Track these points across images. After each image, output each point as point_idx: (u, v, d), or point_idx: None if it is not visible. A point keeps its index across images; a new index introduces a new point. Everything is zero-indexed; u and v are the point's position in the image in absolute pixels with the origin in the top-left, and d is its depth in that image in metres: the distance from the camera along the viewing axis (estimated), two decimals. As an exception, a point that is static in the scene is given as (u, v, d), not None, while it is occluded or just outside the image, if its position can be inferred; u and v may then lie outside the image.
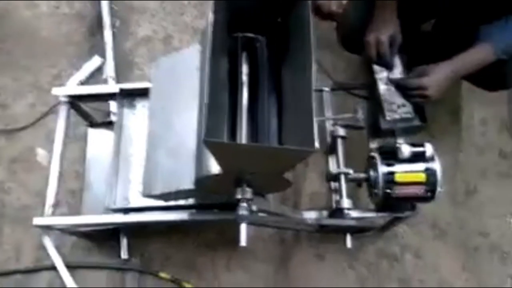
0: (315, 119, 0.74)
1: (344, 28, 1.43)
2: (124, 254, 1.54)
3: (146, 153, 1.12)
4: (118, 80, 1.82)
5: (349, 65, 1.77)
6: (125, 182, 1.29)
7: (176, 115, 1.12)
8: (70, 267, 1.50)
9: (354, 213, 1.20)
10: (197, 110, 1.07)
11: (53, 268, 1.50)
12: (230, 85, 1.05)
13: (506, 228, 1.53)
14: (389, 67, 1.23)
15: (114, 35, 1.90)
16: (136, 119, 1.39)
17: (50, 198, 1.31)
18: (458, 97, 1.67)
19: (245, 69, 1.05)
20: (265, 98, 1.01)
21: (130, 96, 1.40)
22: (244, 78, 1.04)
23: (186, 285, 1.48)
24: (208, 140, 0.74)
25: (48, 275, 1.55)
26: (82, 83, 1.82)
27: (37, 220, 1.26)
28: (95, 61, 1.86)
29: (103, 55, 1.86)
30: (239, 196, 0.94)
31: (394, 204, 1.19)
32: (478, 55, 1.17)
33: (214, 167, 0.90)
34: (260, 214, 1.02)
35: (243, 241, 0.92)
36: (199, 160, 0.99)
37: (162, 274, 1.50)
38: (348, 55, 1.77)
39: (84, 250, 1.58)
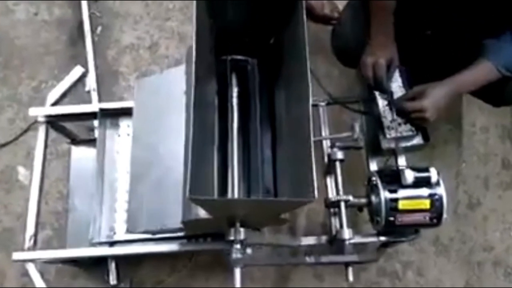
0: (314, 165, 0.66)
1: (339, 41, 1.35)
2: (113, 280, 1.46)
3: (130, 184, 1.04)
4: (101, 92, 1.72)
5: (344, 72, 1.68)
6: (110, 211, 1.21)
7: (161, 142, 1.04)
8: (56, 294, 1.43)
9: (355, 239, 1.13)
10: (183, 139, 0.98)
11: (39, 295, 1.43)
12: (220, 111, 0.97)
13: (510, 241, 1.47)
14: (385, 92, 1.15)
15: (96, 43, 1.79)
16: (120, 140, 1.30)
17: (30, 228, 1.23)
18: (459, 104, 1.60)
19: (235, 93, 0.97)
20: (257, 127, 0.94)
21: (112, 115, 1.31)
22: (235, 103, 0.95)
23: (180, 310, 1.42)
24: (194, 198, 0.66)
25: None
26: (64, 95, 1.73)
27: (17, 255, 1.17)
28: (77, 71, 1.75)
29: (85, 65, 1.76)
30: (231, 238, 0.87)
31: (397, 230, 1.12)
32: (480, 72, 1.09)
33: (203, 212, 0.82)
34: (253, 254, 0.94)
35: (237, 284, 0.85)
36: (186, 202, 0.91)
37: (154, 300, 1.44)
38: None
39: (70, 276, 1.50)
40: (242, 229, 0.87)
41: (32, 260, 1.22)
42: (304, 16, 0.88)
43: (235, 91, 0.96)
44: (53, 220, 1.57)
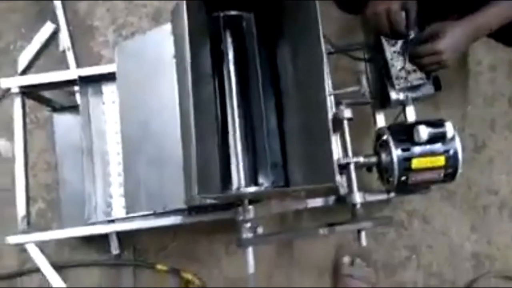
0: (333, 149, 0.58)
1: None
2: (115, 249, 1.43)
3: (123, 163, 0.96)
4: (77, 51, 1.57)
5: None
6: (105, 186, 1.14)
7: (153, 115, 0.94)
8: (58, 267, 1.39)
9: (366, 197, 1.08)
10: (177, 109, 0.88)
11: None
12: (216, 77, 0.86)
13: (516, 183, 1.45)
14: (407, 38, 1.03)
15: (64, -5, 1.60)
16: (106, 108, 1.19)
17: (21, 210, 1.16)
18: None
19: (231, 56, 0.85)
20: (260, 93, 0.84)
21: (94, 82, 1.19)
22: (231, 68, 0.84)
23: (186, 274, 1.40)
24: (203, 196, 0.58)
25: (38, 276, 1.44)
26: (36, 57, 1.58)
27: (12, 239, 1.11)
28: (47, 29, 1.58)
29: (55, 20, 1.59)
30: (240, 218, 0.81)
31: (409, 188, 1.07)
32: (500, 11, 0.98)
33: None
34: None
35: (251, 268, 0.80)
36: (189, 177, 0.83)
37: (159, 266, 1.41)
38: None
39: (71, 248, 1.46)
40: (251, 207, 0.80)
41: (27, 243, 1.16)
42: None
43: (231, 54, 0.85)
44: (44, 193, 1.50)
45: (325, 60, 0.65)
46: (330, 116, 0.64)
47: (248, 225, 0.81)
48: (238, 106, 0.84)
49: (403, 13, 0.99)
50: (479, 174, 1.45)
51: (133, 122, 0.96)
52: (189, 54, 0.63)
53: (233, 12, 0.83)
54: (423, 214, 1.44)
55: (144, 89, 0.95)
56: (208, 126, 0.81)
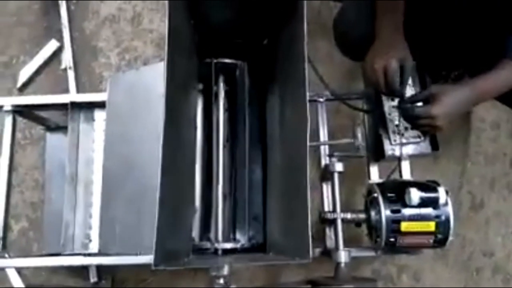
0: (309, 222, 0.55)
1: (340, 30, 1.18)
2: (93, 277, 1.39)
3: (101, 200, 0.93)
4: (78, 70, 1.57)
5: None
6: (85, 216, 1.11)
7: (136, 152, 0.92)
8: (33, 290, 1.35)
9: (354, 253, 1.04)
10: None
11: (15, 292, 1.36)
12: (204, 123, 0.84)
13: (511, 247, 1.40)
14: (401, 96, 1.01)
15: (72, 14, 1.61)
16: (96, 136, 1.17)
17: (-2, 231, 1.13)
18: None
19: (221, 103, 0.83)
20: (246, 145, 0.82)
21: (87, 108, 1.17)
22: (221, 115, 0.82)
23: (164, 310, 1.35)
24: (160, 269, 0.54)
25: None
26: (37, 73, 1.57)
27: (-17, 262, 1.08)
28: (51, 46, 1.58)
29: (60, 38, 1.59)
30: (213, 273, 0.77)
31: (398, 249, 1.03)
32: (506, 76, 0.95)
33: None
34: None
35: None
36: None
37: (137, 299, 1.37)
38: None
39: (49, 272, 1.42)
40: (226, 266, 0.76)
41: (1, 269, 1.12)
42: (305, 15, 0.73)
43: (221, 101, 0.82)
44: (29, 212, 1.47)
45: (308, 116, 0.62)
46: (308, 179, 0.60)
47: (221, 281, 0.77)
48: (223, 155, 0.82)
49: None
50: (475, 234, 1.41)
51: (116, 156, 0.94)
52: (164, 100, 0.61)
53: (227, 60, 0.82)
54: (414, 270, 1.39)
55: (131, 124, 0.93)
56: (188, 171, 0.78)
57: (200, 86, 0.87)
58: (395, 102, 1.08)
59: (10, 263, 1.10)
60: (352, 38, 1.13)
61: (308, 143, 0.64)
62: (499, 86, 0.97)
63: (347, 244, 1.00)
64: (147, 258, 1.03)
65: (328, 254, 1.05)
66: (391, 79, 0.94)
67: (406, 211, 0.95)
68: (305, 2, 0.69)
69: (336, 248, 0.96)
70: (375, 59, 0.96)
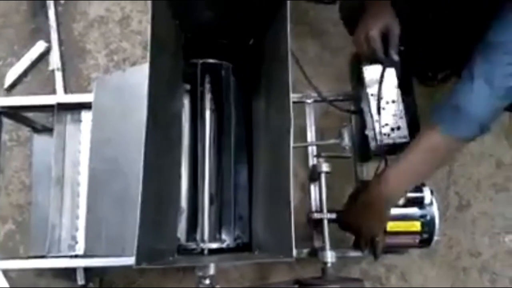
0: (292, 222, 0.55)
1: (346, 10, 1.18)
2: (80, 280, 1.37)
3: (87, 201, 0.92)
4: (66, 71, 1.56)
5: (336, 54, 1.54)
6: (72, 218, 1.10)
7: (122, 152, 0.91)
8: (20, 293, 1.34)
9: (340, 253, 1.04)
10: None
11: (1, 294, 1.34)
12: (191, 123, 0.84)
13: (498, 247, 1.41)
14: (386, 64, 0.99)
15: (60, 15, 1.61)
16: (83, 138, 1.16)
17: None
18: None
19: (207, 104, 0.83)
20: (232, 145, 0.82)
21: (74, 109, 1.16)
22: (207, 115, 0.82)
23: (152, 313, 1.35)
24: (141, 267, 0.54)
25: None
26: (24, 74, 1.56)
27: (-32, 265, 1.07)
28: (39, 47, 1.58)
29: (48, 40, 1.58)
30: (200, 273, 0.77)
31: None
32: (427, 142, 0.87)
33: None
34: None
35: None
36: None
37: (125, 301, 1.36)
38: (336, 45, 1.56)
39: (35, 274, 1.40)
40: (212, 264, 0.76)
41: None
42: (288, 16, 0.74)
43: (207, 103, 0.83)
44: (16, 214, 1.46)
45: (292, 117, 0.62)
46: (291, 181, 0.61)
47: (207, 281, 0.77)
48: (210, 155, 0.82)
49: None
50: (462, 234, 1.42)
51: (102, 157, 0.94)
52: (147, 100, 0.61)
53: (211, 60, 0.82)
54: (402, 270, 1.40)
55: (117, 126, 0.93)
56: (170, 172, 0.78)
57: (187, 87, 0.87)
58: (382, 103, 1.09)
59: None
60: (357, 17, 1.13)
61: (291, 144, 0.64)
62: (427, 160, 0.86)
63: (335, 244, 1.01)
64: (133, 260, 1.03)
65: (316, 254, 1.05)
66: (372, 47, 0.95)
67: (392, 211, 0.96)
68: (288, 2, 0.70)
69: (323, 248, 0.97)
70: (358, 30, 0.98)
